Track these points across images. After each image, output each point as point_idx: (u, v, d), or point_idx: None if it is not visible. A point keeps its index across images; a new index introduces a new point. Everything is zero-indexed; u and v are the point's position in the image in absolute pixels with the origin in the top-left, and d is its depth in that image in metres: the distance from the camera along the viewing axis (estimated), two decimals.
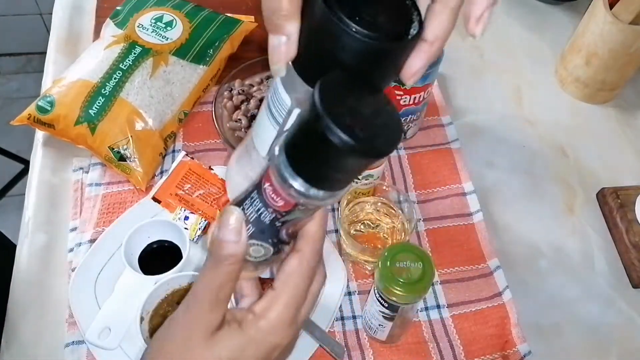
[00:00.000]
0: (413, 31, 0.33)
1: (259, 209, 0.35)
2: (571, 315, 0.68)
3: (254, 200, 0.35)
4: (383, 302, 0.56)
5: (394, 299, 0.54)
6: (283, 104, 0.36)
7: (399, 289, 0.53)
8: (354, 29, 0.31)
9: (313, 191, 0.32)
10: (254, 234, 0.36)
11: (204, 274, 0.36)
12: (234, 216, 0.34)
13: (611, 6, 0.77)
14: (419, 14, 0.34)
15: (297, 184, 0.32)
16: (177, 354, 0.37)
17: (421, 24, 0.33)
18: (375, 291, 0.57)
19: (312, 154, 0.31)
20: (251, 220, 0.35)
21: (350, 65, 0.32)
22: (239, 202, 0.36)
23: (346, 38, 0.31)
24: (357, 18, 0.31)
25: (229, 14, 0.84)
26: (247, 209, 0.35)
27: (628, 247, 0.71)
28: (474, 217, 0.73)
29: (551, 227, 0.75)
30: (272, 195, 0.34)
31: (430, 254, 0.69)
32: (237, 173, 0.41)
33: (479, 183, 0.68)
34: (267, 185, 0.34)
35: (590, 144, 0.82)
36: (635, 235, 0.71)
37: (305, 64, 0.34)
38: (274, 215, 0.35)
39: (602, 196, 0.76)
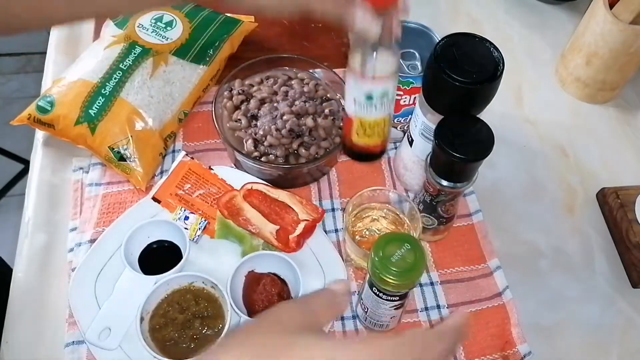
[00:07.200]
0: (498, 73, 0.56)
1: (424, 194, 0.64)
2: (571, 315, 0.68)
3: (423, 191, 0.64)
4: (393, 297, 0.56)
5: (401, 288, 0.55)
6: (420, 121, 0.64)
7: (399, 277, 0.53)
8: (457, 82, 0.55)
9: (445, 182, 0.60)
10: (424, 210, 0.66)
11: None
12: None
13: (611, 6, 0.77)
14: (502, 60, 0.56)
15: (437, 179, 0.61)
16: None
17: (503, 65, 0.56)
18: (380, 292, 0.56)
19: (441, 163, 0.59)
20: (422, 201, 0.65)
21: (458, 101, 0.57)
22: (416, 193, 0.67)
23: (452, 87, 0.55)
24: (460, 70, 0.55)
25: (229, 14, 0.84)
26: (420, 196, 0.66)
27: (628, 247, 0.71)
28: (474, 217, 0.73)
29: (551, 227, 0.75)
30: (428, 186, 0.63)
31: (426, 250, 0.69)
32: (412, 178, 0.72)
33: (479, 183, 0.67)
34: (425, 182, 0.63)
35: (590, 144, 0.82)
36: (635, 235, 0.71)
37: (431, 100, 0.60)
38: (430, 197, 0.63)
39: (602, 196, 0.76)
